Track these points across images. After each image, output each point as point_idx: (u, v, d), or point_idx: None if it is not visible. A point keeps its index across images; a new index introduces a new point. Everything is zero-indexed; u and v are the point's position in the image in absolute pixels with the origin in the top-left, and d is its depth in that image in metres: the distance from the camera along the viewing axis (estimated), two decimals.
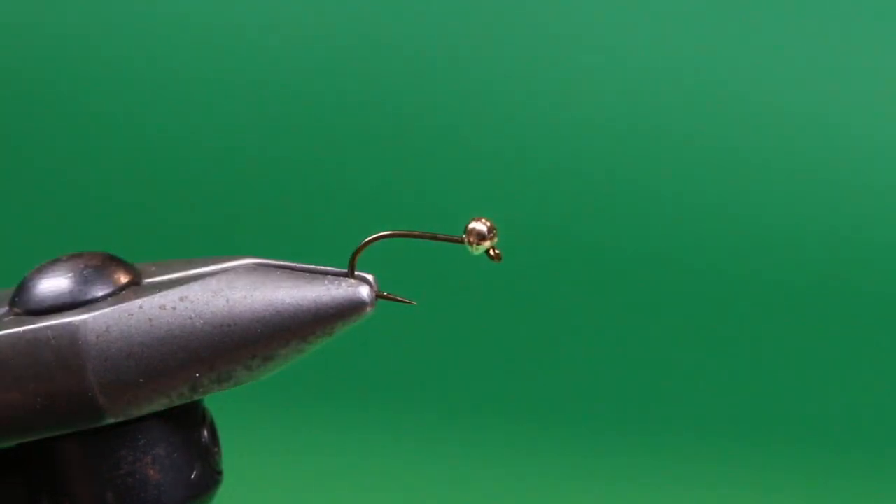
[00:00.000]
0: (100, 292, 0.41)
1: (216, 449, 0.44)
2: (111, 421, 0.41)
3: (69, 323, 0.40)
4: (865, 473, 0.99)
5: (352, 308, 0.41)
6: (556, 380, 1.06)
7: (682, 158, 1.12)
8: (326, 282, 0.41)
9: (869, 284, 1.07)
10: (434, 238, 0.42)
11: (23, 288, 0.42)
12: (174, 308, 0.41)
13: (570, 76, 1.13)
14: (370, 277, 0.42)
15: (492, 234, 0.42)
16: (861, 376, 1.04)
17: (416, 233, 0.43)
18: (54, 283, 0.41)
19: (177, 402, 0.41)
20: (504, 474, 0.98)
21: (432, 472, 0.98)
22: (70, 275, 0.42)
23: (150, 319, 0.41)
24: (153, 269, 0.43)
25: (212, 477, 0.43)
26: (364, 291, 0.41)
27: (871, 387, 1.04)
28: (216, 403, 0.44)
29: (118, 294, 0.42)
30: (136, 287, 0.42)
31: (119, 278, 0.42)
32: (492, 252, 0.42)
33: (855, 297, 1.07)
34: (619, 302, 1.08)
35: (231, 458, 0.45)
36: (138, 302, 0.41)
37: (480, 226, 0.42)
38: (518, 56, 1.14)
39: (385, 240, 0.43)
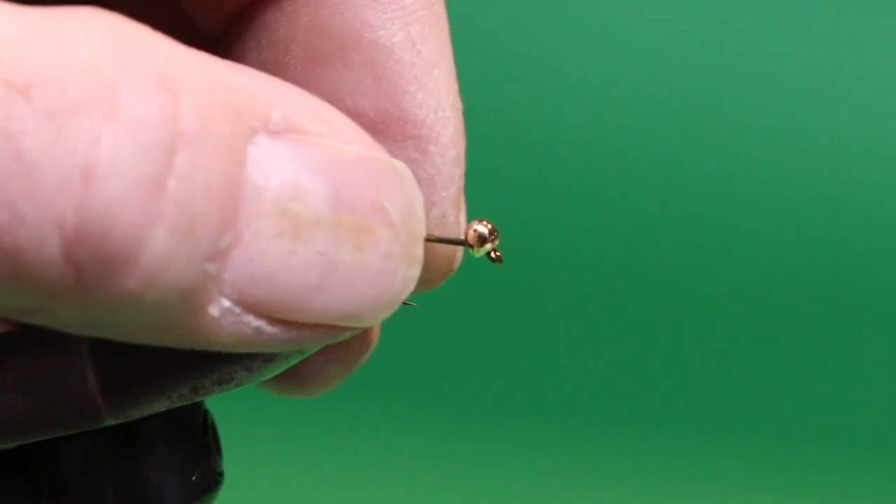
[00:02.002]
0: None
1: (217, 450, 0.44)
2: (112, 422, 0.41)
3: None
4: (865, 473, 0.99)
5: None
6: (557, 380, 1.06)
7: (680, 166, 1.11)
8: None
9: (868, 288, 1.07)
10: (436, 240, 0.42)
11: None
12: None
13: (571, 83, 1.13)
14: None
15: (493, 237, 0.42)
16: (861, 377, 1.04)
17: None
18: None
19: (178, 404, 0.41)
20: (503, 474, 0.98)
21: (431, 472, 0.98)
22: None
23: None
24: None
25: (213, 478, 0.43)
26: None
27: (871, 387, 1.04)
28: (216, 403, 0.44)
29: None
30: None
31: None
32: (493, 254, 0.42)
33: (854, 298, 1.07)
34: (621, 303, 1.08)
35: (231, 458, 0.45)
36: None
37: (482, 228, 0.42)
38: (519, 58, 1.13)
39: None
